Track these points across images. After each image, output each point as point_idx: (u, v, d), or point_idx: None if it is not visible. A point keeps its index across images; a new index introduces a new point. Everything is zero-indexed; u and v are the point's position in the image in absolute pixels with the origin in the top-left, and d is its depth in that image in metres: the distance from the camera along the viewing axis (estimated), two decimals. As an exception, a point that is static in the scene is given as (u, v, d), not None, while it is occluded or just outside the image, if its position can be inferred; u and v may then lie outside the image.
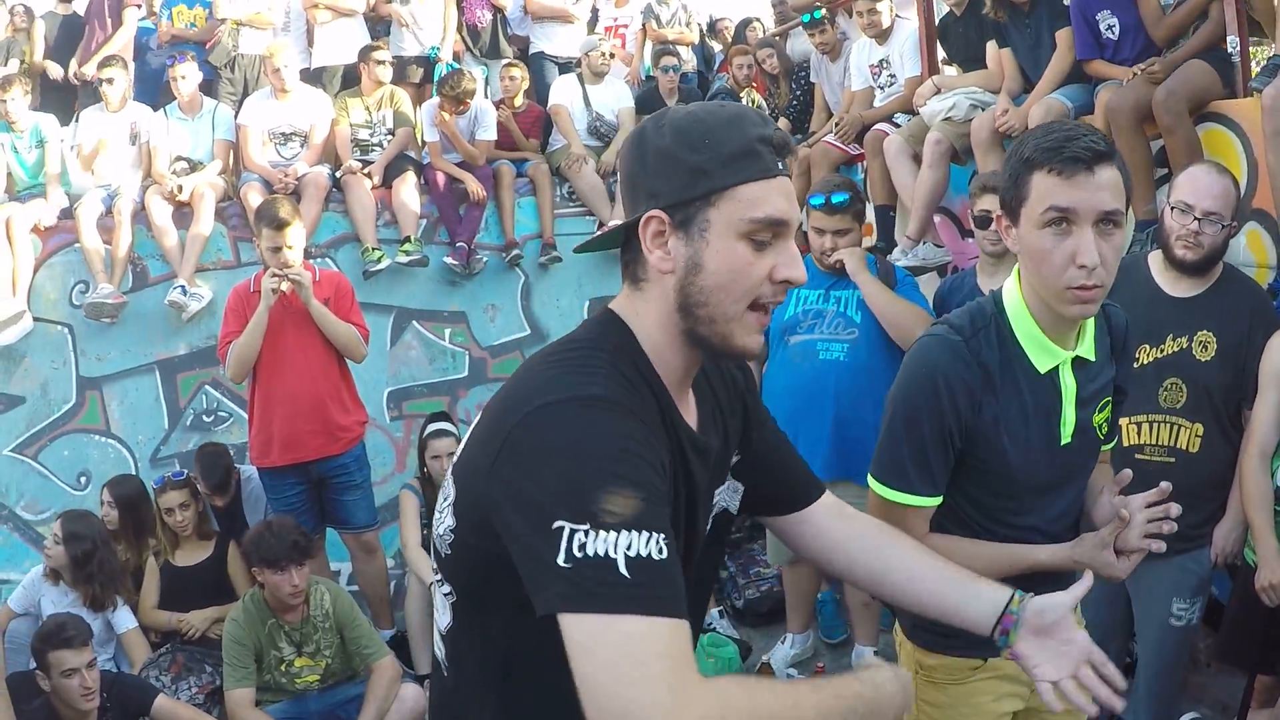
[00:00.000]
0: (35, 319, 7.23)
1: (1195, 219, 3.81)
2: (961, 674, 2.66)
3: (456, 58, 9.19)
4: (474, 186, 7.84)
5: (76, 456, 7.35)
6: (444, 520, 1.76)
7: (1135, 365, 3.82)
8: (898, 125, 6.83)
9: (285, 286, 5.49)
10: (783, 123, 8.41)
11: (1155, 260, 4.06)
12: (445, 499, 1.77)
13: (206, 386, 7.48)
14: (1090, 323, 2.47)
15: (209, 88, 8.37)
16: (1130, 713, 4.52)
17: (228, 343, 5.66)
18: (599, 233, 1.97)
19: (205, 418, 7.50)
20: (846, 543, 2.19)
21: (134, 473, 6.97)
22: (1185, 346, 3.95)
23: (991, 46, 6.31)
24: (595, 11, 10.30)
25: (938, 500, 2.46)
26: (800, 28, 8.27)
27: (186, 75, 7.74)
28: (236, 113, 8.03)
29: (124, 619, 5.58)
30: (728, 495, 2.03)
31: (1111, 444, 2.77)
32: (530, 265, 8.04)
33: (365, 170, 7.76)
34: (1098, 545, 2.36)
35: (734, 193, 1.67)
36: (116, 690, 4.75)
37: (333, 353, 5.76)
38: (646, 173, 1.73)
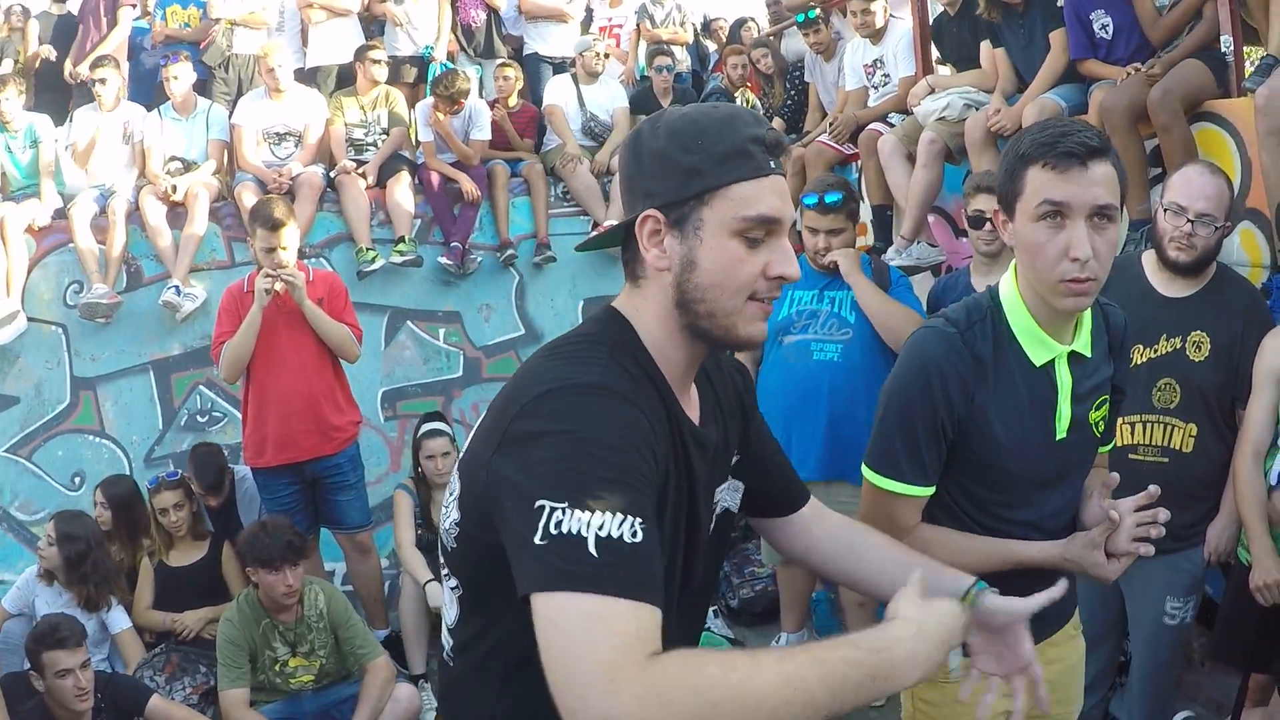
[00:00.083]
0: (29, 319, 7.23)
1: (1188, 220, 3.82)
2: (955, 672, 2.62)
3: (451, 57, 9.21)
4: (468, 186, 7.84)
5: (71, 457, 7.35)
6: (449, 515, 1.80)
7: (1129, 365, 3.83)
8: (892, 125, 6.84)
9: (279, 287, 5.49)
10: (777, 122, 8.42)
11: (1149, 260, 4.07)
12: (451, 494, 1.81)
13: (201, 387, 7.49)
14: (1087, 319, 2.49)
15: (203, 87, 8.37)
16: (1124, 711, 4.54)
17: (221, 343, 5.65)
18: (597, 232, 2.00)
19: (199, 418, 7.50)
20: (822, 542, 2.24)
21: (128, 473, 6.98)
22: (1179, 347, 3.95)
23: (985, 46, 6.32)
24: (590, 11, 10.30)
25: (929, 490, 2.48)
26: (795, 27, 8.26)
27: (180, 75, 7.74)
28: (231, 112, 8.03)
29: (118, 619, 5.57)
30: (729, 494, 2.06)
31: (1109, 446, 2.77)
32: (525, 265, 8.05)
33: (359, 170, 7.77)
34: (1088, 545, 2.37)
35: (727, 192, 1.71)
36: (111, 691, 4.74)
37: (326, 353, 5.74)
38: (643, 173, 1.78)
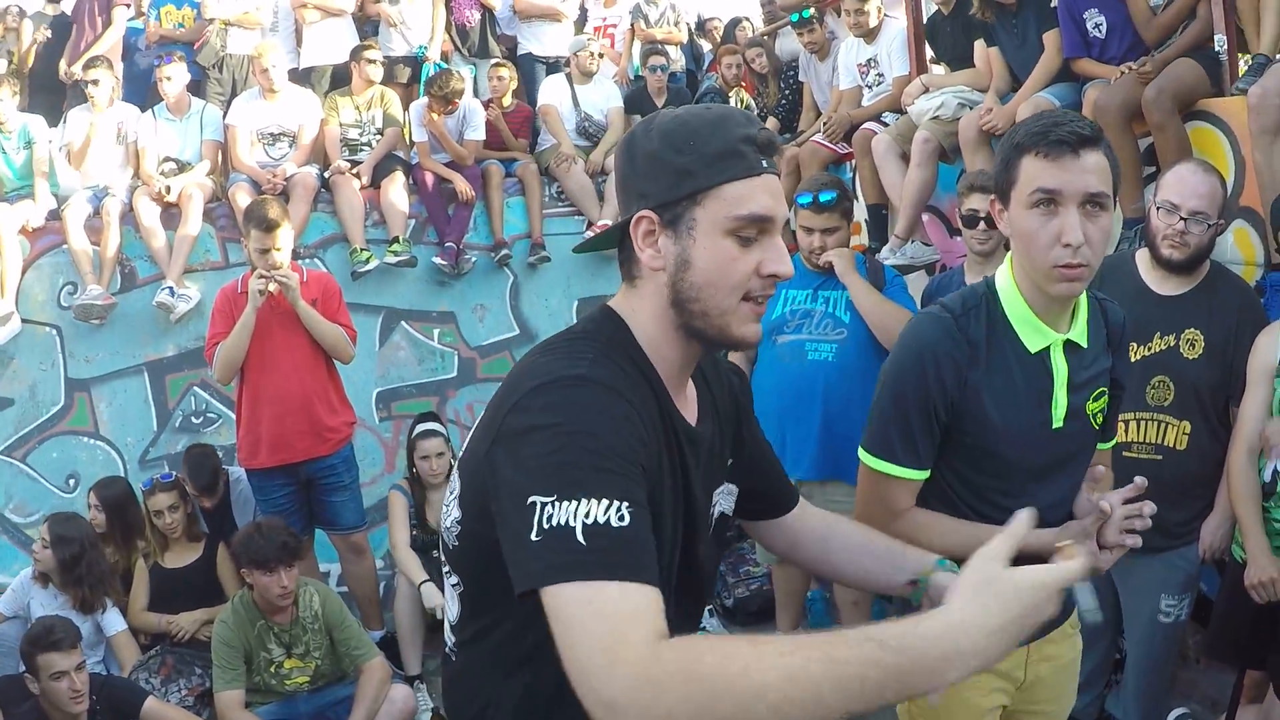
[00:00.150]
0: (23, 320, 7.22)
1: (1181, 219, 3.82)
2: None
3: (445, 57, 9.19)
4: (462, 186, 7.84)
5: (65, 458, 7.34)
6: (451, 513, 1.84)
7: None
8: (886, 124, 6.84)
9: (273, 287, 5.48)
10: (771, 122, 8.42)
11: (1142, 258, 4.08)
12: (451, 492, 1.85)
13: (195, 388, 7.48)
14: (1083, 309, 2.53)
15: (197, 88, 8.35)
16: (1120, 708, 4.54)
17: (215, 344, 5.64)
18: (594, 232, 2.02)
19: (194, 419, 7.49)
20: (803, 537, 2.29)
21: (123, 474, 6.97)
22: (1173, 344, 3.96)
23: (980, 45, 6.32)
24: (584, 11, 10.31)
25: (921, 474, 2.51)
26: (789, 27, 8.26)
27: (174, 76, 7.73)
28: (225, 113, 8.02)
29: (113, 621, 5.56)
30: (724, 498, 2.08)
31: (1111, 443, 2.79)
32: (519, 265, 8.04)
33: (354, 170, 7.76)
34: (1080, 535, 2.38)
35: (719, 192, 1.73)
36: (106, 693, 4.73)
37: (320, 353, 5.74)
38: (637, 174, 1.81)
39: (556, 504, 1.51)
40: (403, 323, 7.85)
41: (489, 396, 1.82)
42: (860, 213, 6.82)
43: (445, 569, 1.91)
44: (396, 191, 7.71)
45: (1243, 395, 3.87)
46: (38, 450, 7.29)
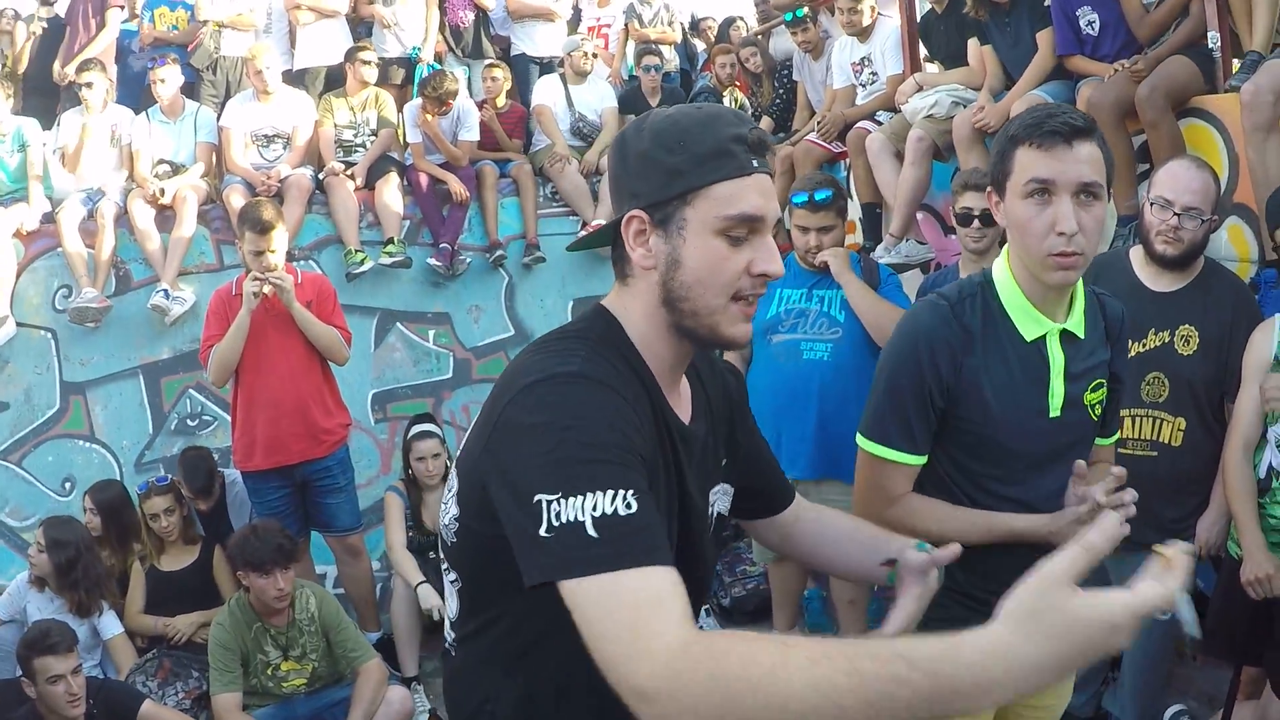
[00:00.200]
0: (18, 324, 7.19)
1: (1175, 214, 3.83)
2: None
3: (438, 58, 9.18)
4: (457, 187, 7.83)
5: (61, 462, 7.32)
6: (449, 510, 1.86)
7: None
8: (880, 123, 6.84)
9: (267, 290, 5.48)
10: (765, 121, 8.43)
11: (1136, 255, 4.08)
12: (450, 491, 1.87)
13: (190, 390, 7.46)
14: (1080, 300, 2.56)
15: (191, 90, 8.34)
16: (1117, 706, 4.54)
17: (210, 346, 5.64)
18: (587, 231, 2.03)
19: (190, 421, 7.48)
20: (795, 529, 2.30)
21: (118, 478, 6.96)
22: (1167, 341, 3.97)
23: (973, 44, 6.33)
24: (578, 11, 10.30)
25: (917, 459, 2.55)
26: (783, 26, 8.27)
27: (167, 78, 7.71)
28: (218, 115, 8.01)
29: (110, 625, 5.56)
30: (720, 498, 2.09)
31: (1113, 438, 2.83)
32: (514, 266, 8.03)
33: (348, 172, 7.74)
34: (1075, 522, 2.42)
35: (709, 191, 1.74)
36: (103, 696, 4.73)
37: (315, 355, 5.74)
38: (628, 174, 1.82)
39: (563, 500, 1.53)
40: (398, 324, 7.84)
41: (484, 397, 1.83)
42: (854, 211, 6.82)
43: (444, 566, 1.94)
44: (391, 193, 7.70)
45: (1238, 391, 3.87)
46: (33, 454, 7.28)
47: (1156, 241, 3.90)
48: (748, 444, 2.18)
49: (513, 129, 8.67)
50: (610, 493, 1.53)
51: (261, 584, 4.96)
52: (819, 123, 7.34)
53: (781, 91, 8.53)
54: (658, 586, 1.48)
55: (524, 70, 9.39)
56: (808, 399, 4.87)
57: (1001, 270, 2.54)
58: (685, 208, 1.75)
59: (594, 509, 1.52)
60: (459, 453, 1.87)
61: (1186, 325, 3.95)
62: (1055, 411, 2.53)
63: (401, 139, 8.27)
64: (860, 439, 2.61)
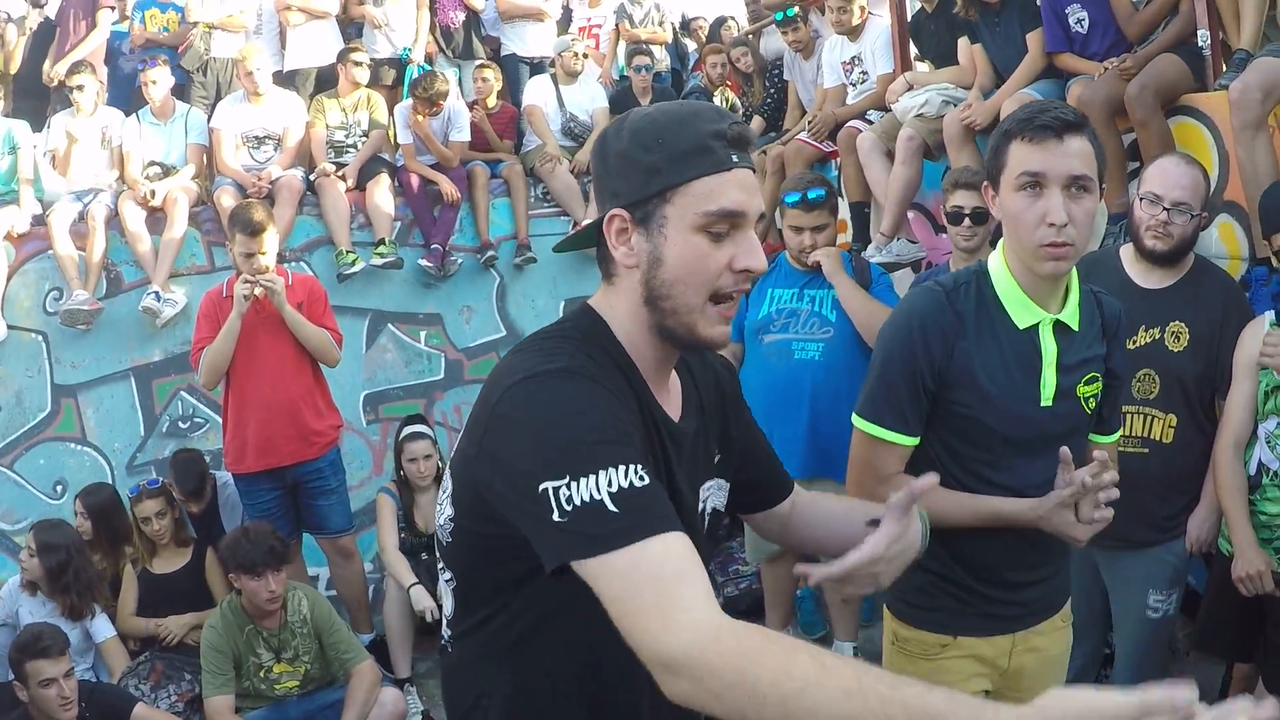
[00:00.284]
0: (9, 327, 7.19)
1: (1164, 209, 3.85)
2: (931, 649, 2.79)
3: (429, 59, 9.17)
4: (448, 188, 7.82)
5: (52, 465, 7.31)
6: (444, 511, 1.88)
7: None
8: (870, 122, 6.84)
9: (258, 292, 5.47)
10: (757, 121, 8.44)
11: (1126, 253, 4.09)
12: (444, 492, 1.89)
13: (182, 392, 7.45)
14: (1075, 293, 2.62)
15: (181, 92, 8.33)
16: (1109, 704, 4.54)
17: (200, 348, 5.64)
18: (573, 231, 2.03)
19: (181, 424, 7.47)
20: (792, 518, 2.30)
21: (110, 480, 6.95)
22: (1158, 337, 3.97)
23: (963, 43, 6.32)
24: (568, 11, 10.30)
25: (909, 440, 2.60)
26: (773, 26, 8.27)
27: (158, 80, 7.70)
28: (209, 116, 7.99)
29: (102, 628, 5.55)
30: (715, 494, 2.09)
31: (1114, 436, 2.86)
32: (505, 266, 8.02)
33: (339, 173, 7.74)
34: (1059, 505, 2.48)
35: (688, 188, 1.74)
36: (95, 700, 4.73)
37: (306, 357, 5.74)
38: (609, 173, 1.83)
39: (573, 484, 1.56)
40: (389, 325, 7.83)
41: (476, 398, 1.84)
42: (843, 211, 6.82)
43: (440, 565, 1.95)
44: (382, 194, 7.69)
45: (1228, 388, 3.88)
46: (25, 457, 7.27)
47: (1146, 237, 3.91)
48: (743, 438, 2.17)
49: (504, 129, 8.67)
50: (622, 468, 1.57)
51: (253, 586, 4.95)
52: (810, 122, 7.34)
53: (772, 91, 8.52)
54: (680, 556, 1.53)
55: (514, 70, 9.38)
56: (799, 399, 4.87)
57: (997, 261, 2.61)
58: (665, 205, 1.75)
59: (609, 485, 1.55)
60: (452, 455, 1.88)
61: (1177, 322, 3.95)
62: (1046, 400, 2.59)
63: (392, 140, 8.25)
64: (855, 418, 2.68)
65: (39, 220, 7.36)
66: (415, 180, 7.87)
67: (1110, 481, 2.43)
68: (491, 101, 8.64)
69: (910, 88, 6.51)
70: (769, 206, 6.76)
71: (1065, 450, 2.50)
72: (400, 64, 8.97)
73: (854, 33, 7.12)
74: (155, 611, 5.76)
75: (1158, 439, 4.01)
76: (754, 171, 1.82)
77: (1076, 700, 1.29)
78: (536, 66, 9.42)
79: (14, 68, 9.03)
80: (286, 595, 5.10)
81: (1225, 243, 4.79)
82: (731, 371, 2.23)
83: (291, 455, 5.72)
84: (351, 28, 9.17)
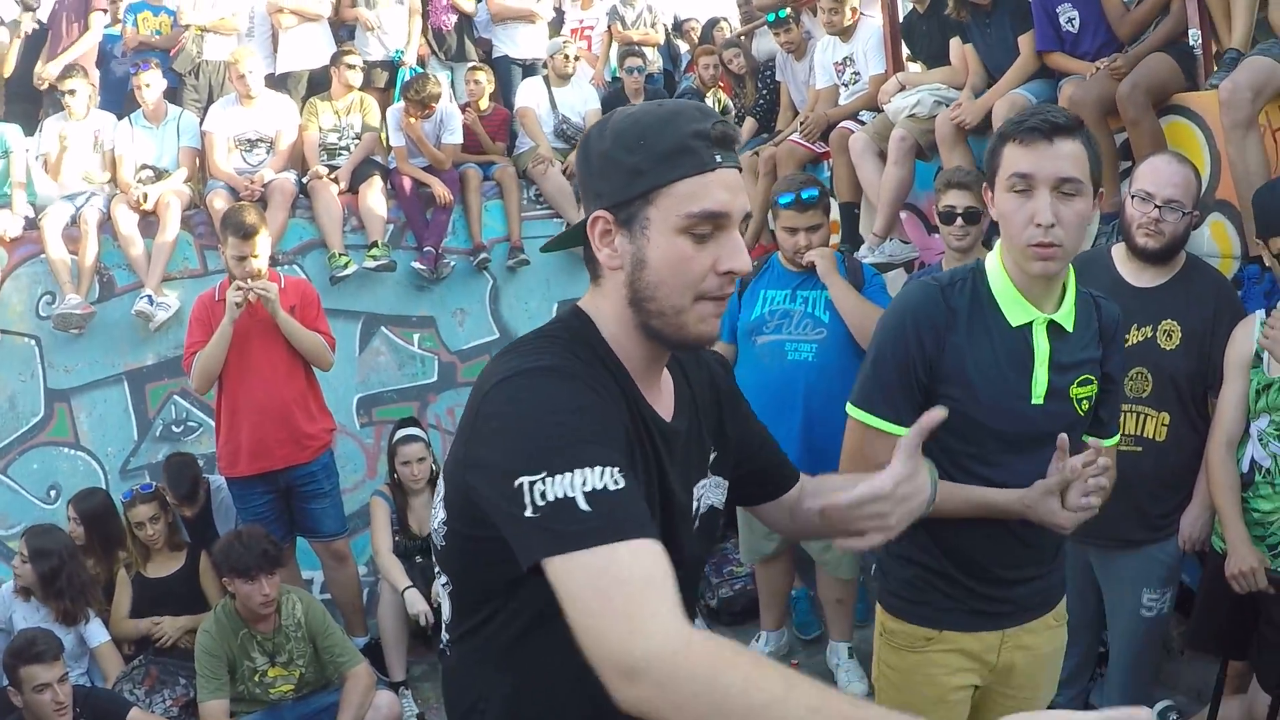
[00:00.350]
0: (2, 331, 7.17)
1: (1156, 207, 3.87)
2: (917, 642, 2.82)
3: (421, 62, 9.17)
4: (440, 190, 7.82)
5: (46, 470, 7.29)
6: (438, 514, 1.87)
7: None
8: (863, 123, 6.84)
9: (252, 297, 5.46)
10: (749, 122, 8.44)
11: (1118, 251, 4.11)
12: (438, 496, 1.88)
13: (175, 396, 7.44)
14: (1071, 295, 2.65)
15: (173, 95, 8.31)
16: (1104, 703, 4.55)
17: (193, 353, 5.63)
18: (561, 233, 2.03)
19: (175, 428, 7.46)
20: (798, 505, 2.28)
21: (104, 485, 6.95)
22: (1150, 336, 3.99)
23: (955, 43, 6.33)
24: (561, 13, 10.30)
25: (899, 430, 2.58)
26: (765, 27, 8.27)
27: (151, 83, 7.69)
28: (201, 120, 7.98)
29: (96, 633, 5.54)
30: (711, 491, 2.07)
31: (1113, 440, 2.85)
32: (498, 269, 8.02)
33: (331, 176, 7.73)
34: (1044, 493, 2.53)
35: (670, 189, 1.73)
36: (90, 705, 4.72)
37: (299, 361, 5.74)
38: (592, 174, 1.82)
39: (548, 480, 1.54)
40: (382, 328, 7.82)
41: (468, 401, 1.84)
42: (832, 211, 6.82)
43: (436, 569, 1.95)
44: (374, 196, 7.68)
45: (1220, 387, 3.89)
46: (18, 462, 7.25)
47: (1138, 234, 3.93)
48: (740, 432, 2.16)
49: (496, 131, 8.66)
50: (599, 469, 1.55)
51: (247, 590, 4.95)
52: (802, 123, 7.34)
53: (765, 92, 8.51)
54: (650, 564, 1.51)
55: (506, 72, 9.38)
56: (793, 400, 4.88)
57: (993, 260, 2.66)
58: (648, 207, 1.74)
59: (584, 484, 1.53)
60: (445, 459, 1.88)
61: (1169, 320, 3.97)
62: (1038, 399, 2.62)
63: (385, 143, 8.25)
64: (849, 406, 2.73)
65: (31, 224, 7.33)
66: (408, 183, 7.86)
67: (1103, 468, 2.47)
68: (484, 104, 8.63)
69: (902, 88, 6.51)
70: (761, 208, 6.77)
71: (1063, 437, 2.52)
72: (392, 66, 8.97)
73: (846, 33, 7.12)
74: (149, 616, 5.74)
75: (1151, 437, 4.03)
76: (739, 170, 1.81)
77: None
78: (529, 68, 9.41)
79: (6, 71, 8.99)
80: (280, 599, 5.10)
81: (1217, 241, 4.80)
82: (726, 367, 2.23)
83: (284, 459, 5.71)
84: (343, 30, 9.15)
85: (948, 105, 6.08)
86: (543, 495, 1.54)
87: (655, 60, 10.13)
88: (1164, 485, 4.06)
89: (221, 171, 7.69)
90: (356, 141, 8.01)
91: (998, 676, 2.83)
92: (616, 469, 1.57)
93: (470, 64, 9.06)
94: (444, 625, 1.98)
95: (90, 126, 7.65)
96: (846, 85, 7.25)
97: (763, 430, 2.26)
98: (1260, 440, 3.76)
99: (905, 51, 7.12)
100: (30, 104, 8.81)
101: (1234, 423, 3.83)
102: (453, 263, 7.84)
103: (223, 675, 5.02)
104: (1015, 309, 2.60)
